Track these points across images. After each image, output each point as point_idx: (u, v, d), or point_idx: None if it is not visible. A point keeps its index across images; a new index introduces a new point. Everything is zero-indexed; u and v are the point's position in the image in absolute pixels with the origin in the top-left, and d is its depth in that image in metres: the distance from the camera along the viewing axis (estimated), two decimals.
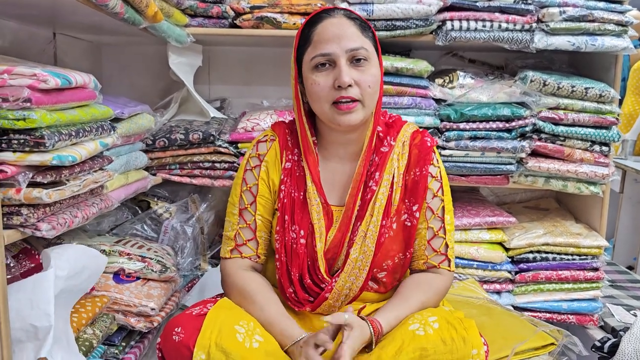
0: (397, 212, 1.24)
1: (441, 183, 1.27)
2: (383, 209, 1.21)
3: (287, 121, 1.34)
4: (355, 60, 1.17)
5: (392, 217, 1.23)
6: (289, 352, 1.12)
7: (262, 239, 1.28)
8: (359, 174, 1.24)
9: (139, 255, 1.53)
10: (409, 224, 1.24)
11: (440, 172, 1.27)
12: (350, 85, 1.15)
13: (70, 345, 1.17)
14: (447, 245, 1.26)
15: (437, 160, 1.28)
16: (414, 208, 1.24)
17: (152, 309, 1.44)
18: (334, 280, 1.20)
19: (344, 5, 1.73)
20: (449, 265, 1.27)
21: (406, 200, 1.25)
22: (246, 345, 1.11)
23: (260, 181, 1.26)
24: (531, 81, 1.80)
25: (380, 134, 1.27)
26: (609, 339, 1.73)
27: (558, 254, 1.87)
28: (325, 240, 1.23)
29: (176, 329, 1.13)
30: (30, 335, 1.04)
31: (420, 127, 1.36)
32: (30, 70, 1.05)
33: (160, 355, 1.19)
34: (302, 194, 1.24)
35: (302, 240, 1.21)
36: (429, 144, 1.26)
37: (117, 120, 1.52)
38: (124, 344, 1.44)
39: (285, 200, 1.24)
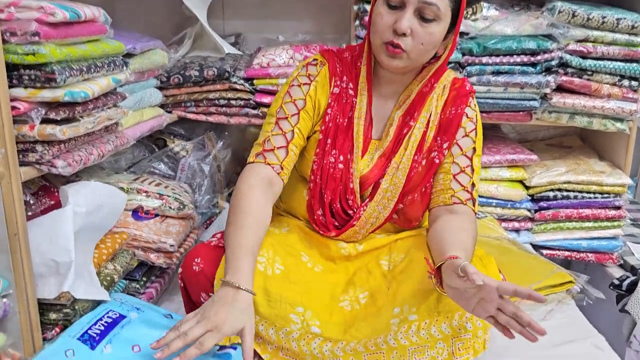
0: (428, 149, 1.25)
1: (475, 126, 1.27)
2: (417, 144, 1.23)
3: (334, 50, 1.33)
4: (423, 16, 1.15)
5: (423, 153, 1.24)
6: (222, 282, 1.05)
7: (292, 153, 1.22)
8: (403, 110, 1.24)
9: (157, 193, 1.54)
10: (437, 161, 1.25)
11: (476, 116, 1.27)
12: (404, 34, 1.14)
13: (92, 280, 1.19)
14: (473, 185, 1.25)
15: (475, 105, 1.28)
16: (444, 146, 1.24)
17: (171, 246, 1.46)
18: (362, 208, 1.22)
19: None
20: (474, 205, 1.25)
21: (438, 139, 1.25)
22: (268, 273, 1.14)
23: (307, 97, 1.24)
24: (559, 12, 1.70)
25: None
26: (628, 277, 1.72)
27: (580, 192, 1.83)
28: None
29: (196, 260, 1.16)
30: (52, 270, 1.06)
31: None
32: (37, 3, 1.02)
33: (182, 285, 1.22)
34: (345, 120, 1.25)
35: (340, 166, 1.23)
36: (467, 89, 1.27)
37: (129, 55, 1.49)
38: (144, 279, 1.47)
39: (330, 124, 1.24)
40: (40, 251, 1.05)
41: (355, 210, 1.24)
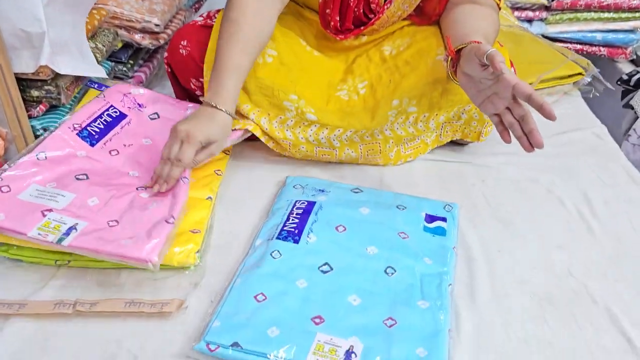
0: None
1: None
2: None
3: None
4: None
5: None
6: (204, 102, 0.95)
7: None
8: None
9: None
10: None
11: None
12: None
13: (83, 54, 1.11)
14: None
15: None
16: None
17: (156, 25, 1.35)
18: (385, 6, 1.07)
19: None
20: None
21: None
22: (259, 61, 1.05)
23: None
24: None
25: None
26: (638, 72, 1.66)
27: None
28: None
29: (182, 43, 1.08)
30: (24, 42, 0.97)
31: None
32: None
33: (169, 70, 1.15)
34: None
35: None
36: None
37: None
38: (131, 62, 1.39)
39: None
40: (8, 20, 0.95)
41: (377, 12, 1.08)
